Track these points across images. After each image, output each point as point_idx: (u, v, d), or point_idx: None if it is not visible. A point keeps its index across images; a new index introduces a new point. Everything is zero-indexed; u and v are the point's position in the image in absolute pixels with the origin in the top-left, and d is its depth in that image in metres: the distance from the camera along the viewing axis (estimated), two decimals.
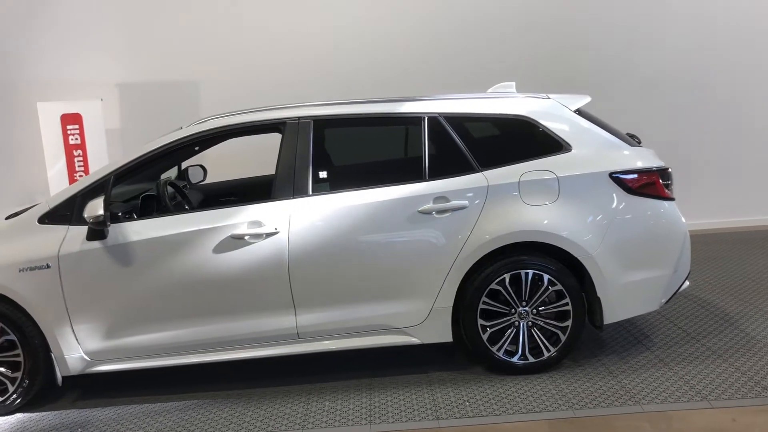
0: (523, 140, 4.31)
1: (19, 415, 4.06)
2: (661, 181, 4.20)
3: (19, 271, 3.95)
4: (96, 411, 4.06)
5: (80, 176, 7.17)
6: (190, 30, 7.53)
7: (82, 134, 7.16)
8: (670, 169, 4.32)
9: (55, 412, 4.08)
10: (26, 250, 3.99)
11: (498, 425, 3.59)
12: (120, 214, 4.10)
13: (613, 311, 4.14)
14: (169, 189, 4.57)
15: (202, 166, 5.54)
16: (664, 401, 3.71)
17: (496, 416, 3.68)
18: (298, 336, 4.09)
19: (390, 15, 7.52)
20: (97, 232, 3.95)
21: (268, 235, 3.98)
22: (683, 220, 4.25)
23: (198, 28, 7.52)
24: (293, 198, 4.05)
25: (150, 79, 7.59)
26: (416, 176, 4.12)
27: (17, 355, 4.01)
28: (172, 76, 7.62)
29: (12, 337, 3.99)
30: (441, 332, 4.12)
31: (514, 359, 4.13)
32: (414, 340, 4.13)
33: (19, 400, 4.06)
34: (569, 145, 4.18)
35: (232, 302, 4.03)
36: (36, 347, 4.00)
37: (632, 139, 4.62)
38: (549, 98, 4.36)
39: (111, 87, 7.49)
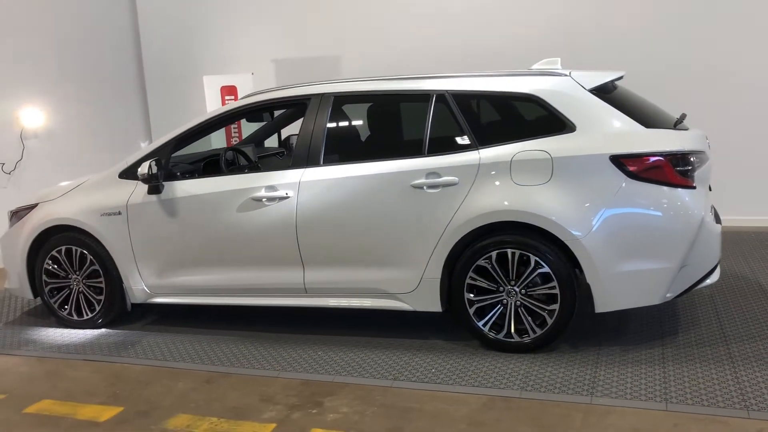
0: (528, 119, 4.26)
1: (101, 330, 5.08)
2: (673, 166, 3.89)
3: (101, 215, 4.92)
4: (149, 335, 4.92)
5: (235, 141, 8.26)
6: (334, 9, 8.19)
7: None
8: (693, 156, 3.97)
9: (121, 332, 5.03)
10: (107, 199, 4.93)
11: (433, 392, 3.75)
12: (178, 173, 4.88)
13: (606, 300, 3.98)
14: (230, 154, 5.25)
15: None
16: (620, 397, 3.55)
17: (437, 384, 3.83)
18: (305, 291, 4.56)
19: None
20: (153, 187, 4.76)
21: (281, 199, 4.47)
22: (699, 211, 3.91)
23: (340, 8, 8.16)
24: (306, 168, 4.49)
25: (296, 55, 8.43)
26: (416, 152, 4.30)
27: (100, 282, 5.02)
28: (316, 52, 8.37)
29: (96, 267, 5.00)
30: (431, 302, 4.30)
31: (500, 336, 4.18)
32: (406, 306, 4.37)
33: (101, 320, 5.08)
34: (574, 125, 4.05)
35: (253, 255, 4.61)
36: (113, 277, 4.96)
37: (678, 120, 4.30)
38: (567, 75, 4.23)
39: (261, 62, 8.46)
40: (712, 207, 4.55)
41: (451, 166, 4.17)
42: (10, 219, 5.40)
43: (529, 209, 3.98)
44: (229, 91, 8.23)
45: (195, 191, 4.71)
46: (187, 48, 9.04)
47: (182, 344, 4.69)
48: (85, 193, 5.05)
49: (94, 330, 5.07)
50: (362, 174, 4.35)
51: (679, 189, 3.91)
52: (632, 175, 3.89)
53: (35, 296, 5.25)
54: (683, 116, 4.55)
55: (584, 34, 7.33)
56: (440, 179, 4.17)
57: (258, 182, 4.57)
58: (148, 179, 4.66)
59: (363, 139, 4.87)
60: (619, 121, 4.04)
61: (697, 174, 4.01)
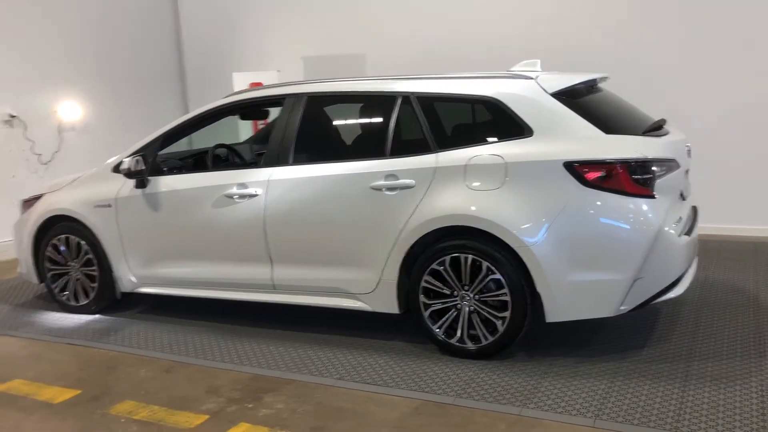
0: (487, 122, 4.20)
1: (94, 316, 5.33)
2: (630, 174, 3.75)
3: (94, 207, 5.17)
4: (134, 323, 5.14)
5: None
6: (358, 8, 8.26)
7: None
8: (655, 165, 3.82)
9: (112, 318, 5.26)
10: (99, 192, 5.18)
11: (372, 394, 3.76)
12: (165, 169, 5.06)
13: (556, 310, 3.89)
14: (222, 151, 5.39)
15: None
16: (551, 410, 3.46)
17: (377, 386, 3.85)
18: (274, 287, 4.65)
19: None
20: (139, 181, 4.96)
21: (250, 196, 4.58)
22: (655, 221, 3.76)
23: (364, 7, 8.22)
24: (276, 166, 4.57)
25: (321, 53, 8.53)
26: (379, 153, 4.31)
27: (94, 271, 5.28)
28: (341, 50, 8.45)
29: (91, 256, 5.25)
30: (389, 303, 4.31)
31: (453, 341, 4.14)
32: (366, 307, 4.40)
33: (94, 306, 5.34)
34: (531, 129, 3.97)
35: (225, 251, 4.74)
36: (104, 267, 5.21)
37: (654, 126, 4.16)
38: (532, 78, 4.14)
39: (287, 60, 8.62)
40: (691, 216, 4.36)
41: (409, 169, 4.16)
42: (21, 207, 5.74)
43: (480, 215, 3.93)
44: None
45: (175, 186, 4.88)
46: (226, 44, 9.30)
47: (160, 333, 4.88)
48: (83, 186, 5.31)
49: (89, 316, 5.34)
50: (326, 174, 4.40)
51: (635, 198, 3.76)
52: (586, 183, 3.78)
53: (40, 281, 5.57)
54: (662, 121, 4.38)
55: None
56: (398, 181, 4.17)
57: (231, 179, 4.69)
58: (129, 174, 4.87)
59: (331, 139, 4.91)
60: (578, 126, 3.93)
61: (659, 183, 3.85)
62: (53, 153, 7.96)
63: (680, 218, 4.04)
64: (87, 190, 5.26)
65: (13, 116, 7.53)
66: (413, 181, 4.13)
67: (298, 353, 4.37)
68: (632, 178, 3.76)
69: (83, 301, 5.36)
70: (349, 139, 4.84)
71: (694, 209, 4.71)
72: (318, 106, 4.73)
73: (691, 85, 6.78)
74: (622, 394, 3.58)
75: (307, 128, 4.61)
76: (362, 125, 4.79)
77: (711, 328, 4.44)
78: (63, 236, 5.32)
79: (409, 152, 4.23)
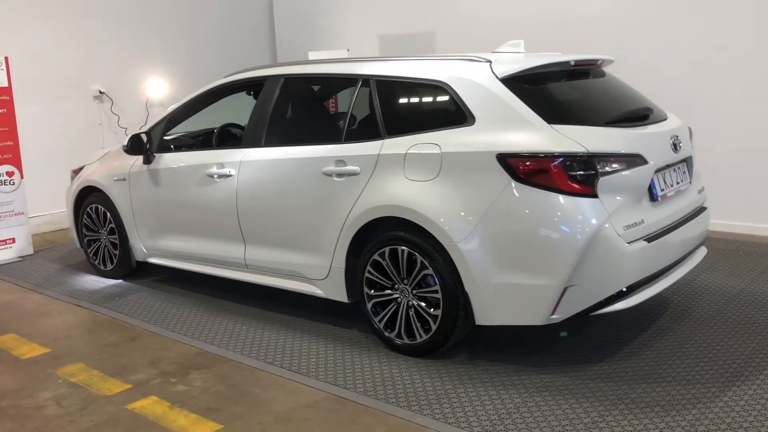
0: (435, 108, 3.96)
1: (116, 281, 5.74)
2: (567, 170, 3.37)
3: (114, 180, 5.54)
4: (141, 291, 5.46)
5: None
6: None
7: None
8: (600, 161, 3.42)
9: (126, 284, 5.63)
10: (119, 166, 5.53)
11: (287, 381, 3.75)
12: (172, 147, 5.30)
13: (485, 313, 3.62)
14: (232, 130, 5.53)
15: None
16: (441, 419, 3.24)
17: (295, 373, 3.83)
18: (246, 266, 4.74)
19: None
20: (146, 157, 5.24)
21: (226, 177, 4.67)
22: (592, 223, 3.35)
23: None
24: (249, 148, 4.62)
25: (390, 31, 8.42)
26: (336, 138, 4.22)
27: (116, 239, 5.67)
28: (409, 29, 8.29)
29: (114, 225, 5.64)
30: (339, 291, 4.24)
31: (392, 335, 3.99)
32: (321, 293, 4.35)
33: (116, 272, 5.74)
34: (474, 117, 3.68)
35: (208, 228, 4.90)
36: (123, 235, 5.59)
37: (626, 116, 3.73)
38: (485, 61, 3.83)
39: (357, 38, 8.60)
40: (680, 219, 3.87)
41: (356, 155, 4.04)
42: (71, 176, 6.28)
43: (412, 206, 3.73)
44: None
45: (171, 164, 5.10)
46: (316, 22, 9.45)
47: (155, 302, 5.15)
48: (109, 159, 5.70)
49: (113, 280, 5.76)
50: (287, 157, 4.39)
51: (571, 197, 3.38)
52: (518, 178, 3.45)
53: (81, 246, 6.09)
54: (646, 110, 3.90)
55: None
56: (345, 168, 4.06)
57: (213, 159, 4.81)
58: (128, 150, 5.17)
59: (299, 122, 4.85)
60: (520, 115, 3.58)
61: (606, 180, 3.43)
62: (140, 127, 8.57)
63: (641, 221, 3.56)
64: (111, 163, 5.64)
65: (102, 92, 8.22)
66: (358, 168, 4.00)
67: (255, 334, 4.43)
68: (568, 175, 3.38)
69: (110, 267, 5.79)
70: (315, 123, 4.77)
71: (700, 210, 4.15)
72: (293, 88, 4.69)
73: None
74: (531, 411, 3.27)
75: (279, 110, 4.61)
76: (326, 109, 4.70)
77: (692, 345, 3.91)
78: (94, 206, 5.76)
79: (362, 138, 4.10)
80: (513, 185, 3.45)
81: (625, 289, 3.50)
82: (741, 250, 5.78)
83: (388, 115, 4.05)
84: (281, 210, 4.41)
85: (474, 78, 3.76)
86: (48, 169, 7.43)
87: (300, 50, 9.45)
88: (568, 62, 3.94)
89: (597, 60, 4.18)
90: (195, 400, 3.60)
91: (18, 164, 6.61)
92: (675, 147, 3.86)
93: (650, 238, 3.59)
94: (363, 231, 4.02)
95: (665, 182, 3.83)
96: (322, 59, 4.64)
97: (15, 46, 7.28)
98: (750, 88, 6.07)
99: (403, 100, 4.14)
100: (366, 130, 4.13)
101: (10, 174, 6.57)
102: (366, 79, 4.18)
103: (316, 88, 4.80)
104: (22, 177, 6.65)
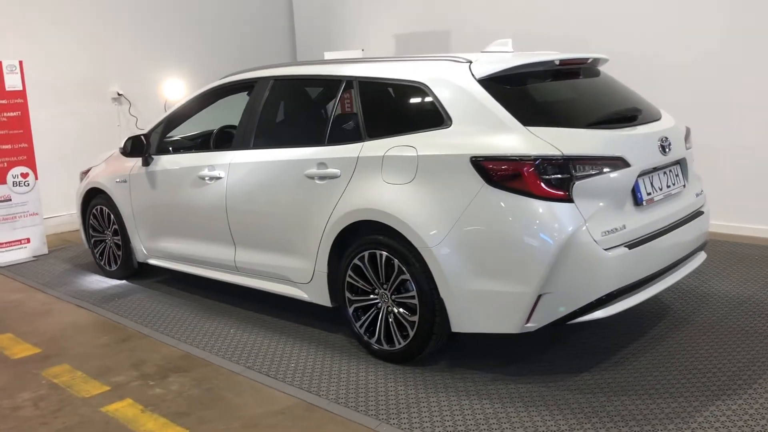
0: (414, 110, 3.88)
1: (120, 282, 5.80)
2: (540, 174, 3.26)
3: (116, 181, 5.60)
4: (140, 292, 5.51)
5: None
6: None
7: None
8: (576, 164, 3.30)
9: (128, 285, 5.69)
10: (121, 168, 5.58)
11: (261, 386, 3.72)
12: (170, 149, 5.33)
13: (460, 319, 3.53)
14: (231, 132, 5.53)
15: None
16: (404, 429, 3.16)
17: (270, 378, 3.80)
18: (236, 269, 4.73)
19: None
20: (144, 159, 5.28)
21: (216, 179, 4.67)
22: (566, 229, 3.23)
23: None
24: (238, 150, 4.61)
25: (405, 30, 8.33)
26: (319, 140, 4.17)
27: (119, 239, 5.74)
28: (424, 27, 8.19)
29: (117, 226, 5.71)
30: (323, 296, 4.19)
31: (372, 341, 3.93)
32: (306, 297, 4.31)
33: (120, 273, 5.80)
34: (450, 119, 3.60)
35: (200, 230, 4.90)
36: (126, 237, 5.64)
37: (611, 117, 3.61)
38: (465, 62, 3.73)
39: (374, 38, 8.53)
40: (669, 223, 3.72)
41: (336, 158, 3.99)
42: (80, 178, 6.38)
43: (388, 210, 3.66)
44: None
45: (167, 166, 5.13)
46: (335, 22, 9.45)
47: (151, 304, 5.18)
48: (113, 161, 5.77)
49: (117, 281, 5.83)
50: (272, 160, 4.36)
51: (544, 201, 3.26)
52: (491, 181, 3.35)
53: (89, 246, 6.18)
54: (634, 111, 3.76)
55: None
56: (326, 170, 4.01)
57: (205, 161, 4.81)
58: (123, 152, 5.22)
59: (285, 124, 4.81)
60: (496, 117, 3.47)
61: (583, 184, 3.31)
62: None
63: (622, 227, 3.42)
64: (114, 165, 5.70)
65: (120, 94, 8.34)
66: (338, 171, 3.95)
67: (242, 337, 4.41)
68: (541, 179, 3.26)
69: (114, 267, 5.86)
70: (300, 125, 4.73)
71: (696, 214, 3.99)
72: (281, 90, 4.66)
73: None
74: (500, 422, 3.17)
75: (267, 112, 4.59)
76: (311, 111, 4.66)
77: (683, 356, 3.74)
78: (99, 207, 5.84)
79: (344, 140, 4.04)
80: (486, 189, 3.35)
81: (604, 297, 3.37)
82: (756, 254, 5.54)
83: (369, 116, 3.98)
84: (267, 212, 4.39)
85: (452, 79, 3.67)
86: (66, 170, 7.56)
87: (319, 50, 9.44)
88: (552, 62, 3.81)
89: (586, 59, 4.04)
90: (168, 403, 3.59)
91: (32, 166, 6.75)
92: (663, 149, 3.70)
93: (633, 244, 3.44)
94: (345, 235, 3.96)
95: (652, 186, 3.68)
96: (312, 60, 4.59)
97: (34, 49, 7.46)
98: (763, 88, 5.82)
99: (383, 102, 4.07)
100: (348, 133, 4.07)
101: (24, 175, 6.71)
102: (350, 81, 4.13)
103: (303, 89, 4.76)
104: (36, 178, 6.79)
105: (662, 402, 3.28)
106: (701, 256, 4.18)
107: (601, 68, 4.28)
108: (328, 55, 8.56)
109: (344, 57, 8.39)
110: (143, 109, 8.52)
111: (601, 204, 3.36)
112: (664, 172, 3.79)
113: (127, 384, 3.86)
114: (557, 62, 3.83)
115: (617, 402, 3.31)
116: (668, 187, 3.80)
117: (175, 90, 8.77)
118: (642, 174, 3.59)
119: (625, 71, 4.64)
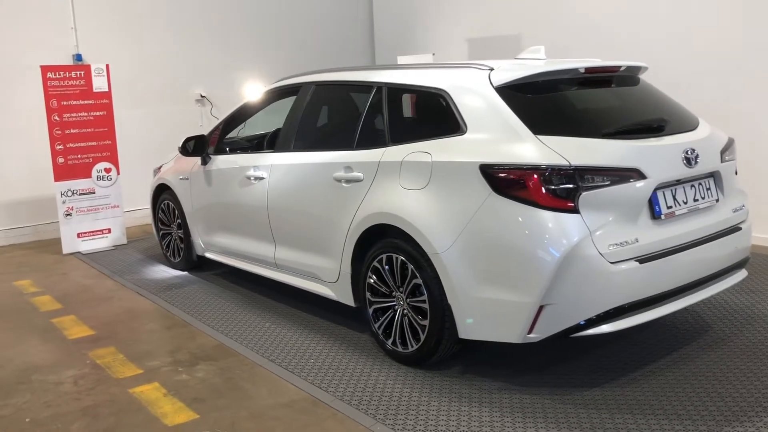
0: (433, 117, 3.91)
1: (182, 273, 6.16)
2: (544, 183, 3.23)
3: (180, 179, 5.95)
4: (197, 282, 5.82)
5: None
6: None
7: None
8: (584, 174, 3.25)
9: (189, 276, 6.03)
10: (184, 167, 5.93)
11: (277, 378, 3.86)
12: (227, 149, 5.61)
13: (466, 326, 3.53)
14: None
15: None
16: (397, 430, 3.22)
17: (287, 372, 3.94)
18: (276, 265, 4.92)
19: None
20: (203, 159, 5.58)
21: (260, 179, 4.89)
22: (569, 240, 3.18)
23: None
24: (281, 152, 4.80)
25: (475, 35, 8.31)
26: (348, 144, 4.29)
27: (182, 233, 6.08)
28: (496, 32, 8.14)
29: (180, 220, 6.06)
30: (347, 295, 4.30)
31: (388, 342, 4.00)
32: (333, 296, 4.44)
33: (182, 265, 6.17)
34: (465, 126, 3.62)
35: (246, 227, 5.14)
36: (187, 231, 5.98)
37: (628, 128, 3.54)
38: (486, 69, 3.74)
39: (447, 42, 8.56)
40: (694, 239, 3.60)
41: (361, 162, 4.09)
42: (153, 174, 6.81)
43: (403, 215, 3.73)
44: None
45: (221, 166, 5.40)
46: (410, 26, 9.56)
47: (202, 294, 5.47)
48: (179, 159, 6.13)
49: (179, 272, 6.19)
50: (306, 162, 4.52)
51: (549, 211, 3.23)
52: (497, 189, 3.35)
53: (158, 238, 6.59)
54: (660, 121, 3.64)
55: None
56: (351, 174, 4.13)
57: (252, 162, 5.04)
58: (185, 152, 5.53)
59: (322, 128, 4.93)
60: (508, 125, 3.46)
61: (591, 195, 3.24)
62: (239, 130, 9.08)
63: (634, 240, 3.32)
64: (179, 163, 6.06)
65: (203, 96, 8.81)
66: (362, 175, 4.06)
67: (274, 330, 4.59)
68: (547, 188, 3.22)
69: (177, 259, 6.23)
70: (332, 129, 4.86)
71: (732, 230, 3.80)
72: (320, 95, 4.81)
73: None
74: (494, 431, 3.17)
75: (307, 116, 4.76)
76: (345, 115, 4.76)
77: (706, 377, 3.58)
78: (166, 202, 6.23)
79: (370, 145, 4.14)
80: (492, 197, 3.36)
81: (612, 311, 3.29)
82: None
83: (394, 122, 4.06)
84: (301, 212, 4.55)
85: (470, 86, 3.69)
86: (149, 167, 8.07)
87: (396, 53, 9.58)
88: (577, 69, 3.75)
89: (618, 67, 3.93)
90: (189, 389, 3.82)
91: (115, 161, 7.27)
92: (689, 161, 3.55)
93: (645, 259, 3.33)
94: (367, 237, 4.06)
95: (674, 199, 3.54)
96: (351, 66, 4.72)
97: (124, 54, 8.01)
98: None
99: (407, 108, 4.13)
100: (374, 138, 4.16)
101: (107, 170, 7.24)
102: (379, 87, 4.22)
103: (341, 95, 4.89)
104: (118, 173, 7.30)
105: (666, 423, 3.17)
106: (740, 274, 3.98)
107: (643, 76, 4.17)
108: (401, 60, 8.69)
109: (414, 62, 8.51)
110: (225, 110, 8.91)
111: (611, 216, 3.28)
112: (692, 185, 3.64)
113: (158, 369, 4.12)
114: (582, 70, 3.76)
115: (619, 420, 3.22)
116: (695, 200, 3.65)
117: (255, 92, 9.13)
118: (662, 186, 3.47)
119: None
